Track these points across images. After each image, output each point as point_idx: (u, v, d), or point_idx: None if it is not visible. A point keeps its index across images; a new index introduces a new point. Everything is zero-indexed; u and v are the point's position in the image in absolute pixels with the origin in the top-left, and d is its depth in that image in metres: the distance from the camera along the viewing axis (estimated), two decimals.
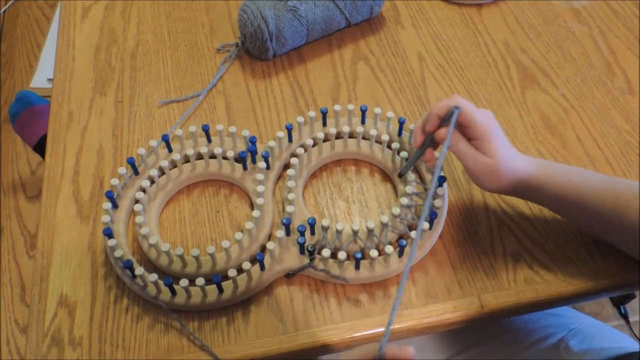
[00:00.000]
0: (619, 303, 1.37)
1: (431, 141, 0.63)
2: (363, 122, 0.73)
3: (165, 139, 0.70)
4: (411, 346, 0.45)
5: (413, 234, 0.62)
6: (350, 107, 0.71)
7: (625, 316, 1.35)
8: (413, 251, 0.50)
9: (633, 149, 0.73)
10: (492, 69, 0.82)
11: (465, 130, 0.59)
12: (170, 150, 0.71)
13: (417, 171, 0.70)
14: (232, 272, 0.60)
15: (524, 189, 0.60)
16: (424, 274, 0.64)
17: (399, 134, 0.72)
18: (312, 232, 0.64)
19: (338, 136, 0.73)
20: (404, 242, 0.61)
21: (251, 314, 0.62)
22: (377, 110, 0.72)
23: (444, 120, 0.60)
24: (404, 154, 0.68)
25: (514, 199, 0.69)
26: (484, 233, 0.67)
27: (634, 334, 1.33)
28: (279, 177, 0.71)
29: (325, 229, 0.62)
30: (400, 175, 0.68)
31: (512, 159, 0.59)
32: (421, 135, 0.63)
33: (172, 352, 0.60)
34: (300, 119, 0.71)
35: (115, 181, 0.67)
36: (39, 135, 1.14)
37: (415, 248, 0.51)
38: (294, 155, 0.71)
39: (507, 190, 0.61)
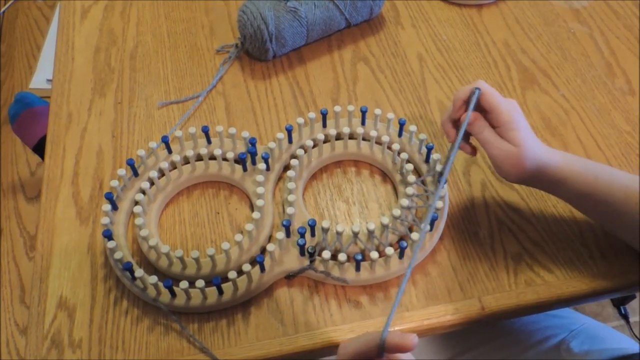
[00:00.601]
0: (619, 303, 1.37)
1: (464, 132, 0.61)
2: (363, 123, 0.73)
3: (165, 141, 0.69)
4: (414, 334, 0.45)
5: (414, 235, 0.61)
6: (351, 108, 0.71)
7: (625, 317, 1.35)
8: (416, 251, 0.50)
9: (634, 150, 0.73)
10: (492, 69, 0.82)
11: (489, 116, 0.59)
12: (170, 151, 0.71)
13: (417, 173, 0.69)
14: (232, 274, 0.59)
15: (547, 181, 0.60)
16: (425, 276, 0.64)
17: (399, 135, 0.72)
18: (312, 234, 0.64)
19: (338, 137, 0.73)
20: (405, 244, 0.61)
21: (251, 315, 0.62)
22: (377, 111, 0.72)
23: (469, 104, 0.59)
24: (404, 155, 0.68)
25: (514, 200, 0.68)
26: (484, 234, 0.66)
27: (634, 334, 1.32)
28: (279, 178, 0.71)
29: (325, 230, 0.62)
30: (441, 175, 0.66)
31: (537, 149, 0.59)
32: (451, 128, 0.63)
33: (172, 354, 0.59)
34: (300, 120, 0.70)
35: (114, 183, 0.67)
36: (38, 137, 1.14)
37: (417, 250, 0.51)
38: (294, 156, 0.71)
39: (529, 181, 0.60)
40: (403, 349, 0.44)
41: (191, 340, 0.60)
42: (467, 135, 0.64)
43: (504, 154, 0.58)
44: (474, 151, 0.64)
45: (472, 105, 0.58)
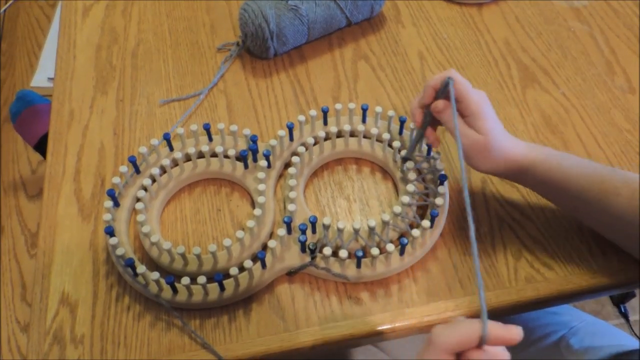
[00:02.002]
0: (619, 302, 1.37)
1: (431, 118, 0.63)
2: (364, 120, 0.73)
3: (167, 138, 0.70)
4: (519, 327, 0.43)
5: (414, 232, 0.62)
6: (351, 105, 0.72)
7: (625, 315, 1.35)
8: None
9: (633, 148, 0.73)
10: (492, 68, 0.82)
11: (458, 106, 0.60)
12: (171, 148, 0.71)
13: (417, 170, 0.70)
14: (233, 271, 0.60)
15: (515, 170, 0.61)
16: (425, 273, 0.64)
17: (400, 132, 0.72)
18: (314, 231, 0.64)
19: (339, 135, 0.73)
20: (405, 240, 0.61)
21: (253, 312, 0.62)
22: (378, 109, 0.72)
23: (440, 93, 0.61)
24: (404, 152, 0.69)
25: (514, 197, 0.69)
26: (485, 232, 0.67)
27: (634, 332, 1.33)
28: (280, 175, 0.71)
29: (326, 227, 0.62)
30: (405, 160, 0.68)
31: (503, 138, 0.60)
32: (420, 113, 0.64)
33: (173, 351, 0.60)
34: (302, 117, 0.71)
35: (116, 179, 0.67)
36: (39, 135, 1.14)
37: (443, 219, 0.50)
38: (295, 153, 0.71)
39: (498, 171, 0.62)
40: (507, 342, 0.42)
41: (193, 337, 0.60)
42: (436, 123, 0.65)
43: (471, 142, 0.60)
44: (436, 142, 0.65)
45: (452, 98, 0.59)
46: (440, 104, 0.60)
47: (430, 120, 0.64)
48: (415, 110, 0.64)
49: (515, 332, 0.42)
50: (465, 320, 0.44)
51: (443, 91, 0.60)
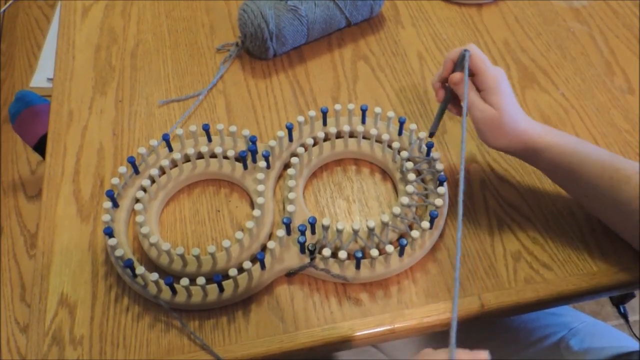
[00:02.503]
0: (619, 302, 1.37)
1: (451, 93, 0.64)
2: (363, 121, 0.73)
3: (166, 138, 0.70)
4: (486, 352, 0.44)
5: (414, 233, 0.62)
6: (351, 106, 0.72)
7: (624, 316, 1.35)
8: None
9: (633, 148, 0.73)
10: None
11: (475, 79, 0.61)
12: (170, 149, 0.71)
13: (417, 171, 0.70)
14: (232, 272, 0.60)
15: (528, 150, 0.61)
16: (425, 274, 0.64)
17: (399, 133, 0.72)
18: (313, 232, 0.64)
19: (338, 135, 0.73)
20: (405, 241, 0.61)
21: (252, 313, 0.62)
22: (378, 109, 0.72)
23: (458, 65, 0.62)
24: (404, 153, 0.68)
25: (513, 198, 0.69)
26: (484, 232, 0.67)
27: (634, 333, 1.33)
28: (280, 176, 0.71)
29: (325, 228, 0.62)
30: (431, 135, 0.68)
31: (518, 116, 0.61)
32: (440, 88, 0.65)
33: (172, 352, 0.60)
34: (301, 118, 0.71)
35: (115, 180, 0.67)
36: (38, 135, 1.14)
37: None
38: (294, 154, 0.71)
39: (511, 148, 0.62)
40: None
41: (192, 338, 0.60)
42: (455, 98, 0.66)
43: (485, 116, 0.60)
44: (459, 111, 0.66)
45: (466, 70, 0.60)
46: (456, 75, 0.61)
47: (451, 96, 0.65)
48: (435, 84, 0.65)
49: (483, 357, 0.44)
50: (432, 352, 0.45)
51: (460, 63, 0.61)
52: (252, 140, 0.70)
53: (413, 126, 0.70)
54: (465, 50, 0.61)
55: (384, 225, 0.62)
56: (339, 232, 0.62)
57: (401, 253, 0.62)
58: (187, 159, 0.72)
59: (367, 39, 0.86)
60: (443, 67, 0.64)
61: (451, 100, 0.66)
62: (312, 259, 0.62)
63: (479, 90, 0.61)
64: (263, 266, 0.62)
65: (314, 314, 0.61)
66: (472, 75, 0.62)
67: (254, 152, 0.70)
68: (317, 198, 0.70)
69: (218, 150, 0.70)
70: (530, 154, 0.62)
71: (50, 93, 0.83)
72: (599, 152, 0.60)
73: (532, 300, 0.62)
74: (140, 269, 0.60)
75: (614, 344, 0.73)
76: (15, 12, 1.61)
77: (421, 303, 0.62)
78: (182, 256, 0.62)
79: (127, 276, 0.62)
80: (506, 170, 0.71)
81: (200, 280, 0.59)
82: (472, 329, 0.79)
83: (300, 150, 0.69)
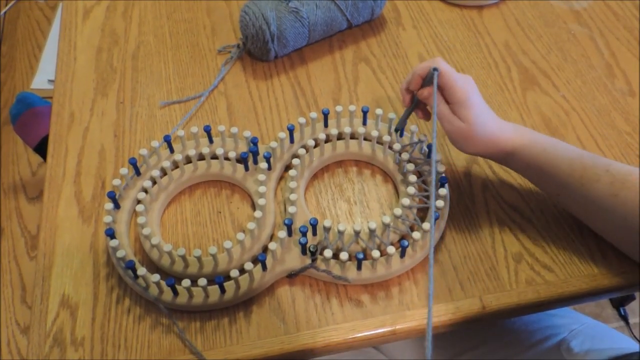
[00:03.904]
0: (619, 305, 1.37)
1: (418, 101, 0.67)
2: (364, 123, 0.73)
3: (167, 140, 0.70)
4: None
5: (415, 234, 0.62)
6: (352, 108, 0.72)
7: (625, 318, 1.35)
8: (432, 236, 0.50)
9: (633, 151, 0.73)
10: (492, 70, 0.82)
11: (444, 92, 0.62)
12: (172, 150, 0.71)
13: (418, 172, 0.70)
14: (234, 273, 0.60)
15: (500, 154, 0.63)
16: (426, 275, 0.64)
17: (401, 135, 0.72)
18: (314, 233, 0.64)
19: (339, 137, 0.73)
20: (406, 243, 0.61)
21: (253, 314, 0.62)
22: (379, 111, 0.72)
23: (426, 81, 0.63)
24: (405, 155, 0.69)
25: (514, 199, 0.69)
26: (485, 234, 0.67)
27: (634, 335, 1.33)
28: (281, 177, 0.71)
29: (327, 229, 0.62)
30: (397, 131, 0.69)
31: (488, 123, 0.62)
32: (407, 95, 0.67)
33: (174, 353, 0.60)
34: (302, 119, 0.71)
35: (117, 182, 0.67)
36: (39, 137, 1.14)
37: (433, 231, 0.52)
38: (295, 156, 0.71)
39: (484, 153, 0.64)
40: None
41: (194, 340, 0.60)
42: (422, 103, 0.67)
43: (455, 129, 0.62)
44: (426, 116, 0.68)
45: (435, 88, 0.61)
46: (425, 91, 0.64)
47: (418, 103, 0.67)
48: (403, 92, 0.67)
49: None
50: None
51: (429, 80, 0.63)
52: (254, 141, 0.70)
53: (414, 127, 0.70)
54: (434, 69, 0.61)
55: (385, 226, 0.62)
56: (340, 233, 0.62)
57: (402, 254, 0.62)
58: (188, 160, 0.72)
59: (368, 41, 0.86)
60: (412, 80, 0.65)
61: (418, 105, 0.67)
62: (314, 260, 0.63)
63: (448, 103, 0.63)
64: (264, 267, 0.62)
65: (315, 315, 0.62)
66: (440, 89, 0.62)
67: (255, 154, 0.70)
68: (318, 199, 0.70)
69: (219, 151, 0.70)
70: (502, 157, 0.64)
71: (51, 95, 0.83)
72: (569, 151, 0.61)
73: (533, 301, 0.62)
74: (141, 270, 0.60)
75: (614, 346, 0.74)
76: (16, 13, 1.61)
77: (422, 304, 0.62)
78: (183, 257, 0.62)
79: (129, 277, 0.62)
80: (507, 172, 0.71)
81: (202, 281, 0.59)
82: (473, 331, 0.79)
83: (302, 151, 0.70)
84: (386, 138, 0.71)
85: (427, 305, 0.62)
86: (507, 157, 0.63)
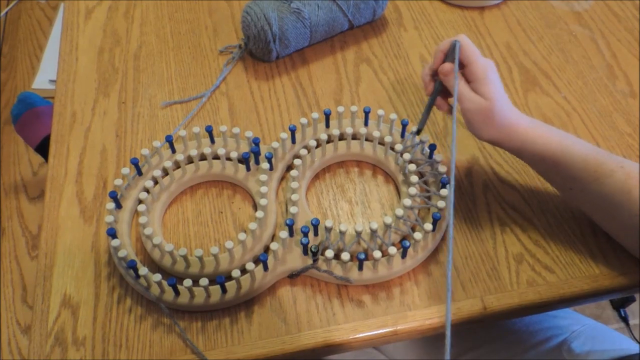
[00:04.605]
0: (619, 306, 1.37)
1: (441, 86, 0.65)
2: (366, 123, 0.73)
3: (169, 140, 0.70)
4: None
5: (416, 235, 0.62)
6: (353, 108, 0.72)
7: (625, 319, 1.35)
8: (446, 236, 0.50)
9: (634, 152, 0.73)
10: None
11: (464, 70, 0.62)
12: (173, 150, 0.71)
13: (419, 173, 0.70)
14: (235, 273, 0.60)
15: (516, 141, 0.62)
16: (427, 276, 0.64)
17: (402, 135, 0.72)
18: (316, 233, 0.64)
19: (341, 137, 0.73)
20: (407, 243, 0.61)
21: (254, 314, 0.62)
22: (380, 111, 0.72)
23: (448, 56, 0.62)
24: (406, 155, 0.69)
25: (516, 200, 0.69)
26: (486, 235, 0.67)
27: (634, 336, 1.33)
28: (282, 178, 0.71)
29: (328, 230, 0.62)
30: (419, 132, 0.68)
31: (508, 107, 0.62)
32: (430, 81, 0.66)
33: (175, 353, 0.60)
34: (304, 120, 0.71)
35: (118, 181, 0.67)
36: (41, 137, 1.14)
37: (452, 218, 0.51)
38: (297, 156, 0.71)
39: (499, 140, 0.62)
40: None
41: (195, 340, 0.60)
42: (445, 92, 0.66)
43: (475, 107, 0.61)
44: (447, 108, 0.67)
45: (457, 60, 0.61)
46: (446, 66, 0.62)
47: (441, 89, 0.65)
48: (425, 77, 0.66)
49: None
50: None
51: (451, 54, 0.62)
52: (255, 142, 0.70)
53: (415, 128, 0.70)
54: (456, 41, 0.61)
55: (387, 227, 0.62)
56: (342, 233, 0.62)
57: (404, 255, 0.62)
58: (190, 160, 0.72)
59: (369, 42, 0.87)
60: (434, 59, 0.64)
61: (440, 93, 0.66)
62: (315, 260, 0.63)
63: (468, 81, 0.62)
64: (266, 268, 0.62)
65: (316, 316, 0.62)
66: (462, 66, 0.62)
67: (256, 154, 0.70)
68: (319, 200, 0.70)
69: (221, 151, 0.70)
70: (517, 146, 0.63)
71: (53, 95, 0.83)
72: (584, 146, 0.61)
73: (534, 302, 0.62)
74: (143, 270, 0.60)
75: (615, 347, 0.74)
76: (18, 13, 1.61)
77: (424, 305, 0.62)
78: (185, 257, 0.62)
79: (130, 277, 0.62)
80: (508, 172, 0.71)
81: (203, 281, 0.59)
82: (475, 331, 0.79)
83: (303, 152, 0.70)
84: (388, 139, 0.71)
85: (428, 305, 0.62)
86: (521, 147, 0.62)
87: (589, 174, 0.58)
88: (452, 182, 0.55)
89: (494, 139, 0.63)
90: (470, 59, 0.61)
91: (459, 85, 0.61)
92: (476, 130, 0.63)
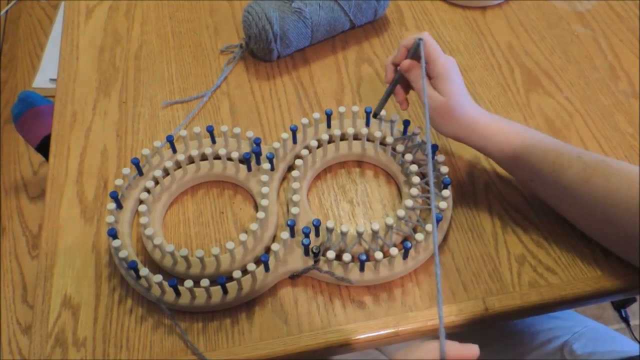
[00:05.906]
0: (620, 307, 1.37)
1: (401, 76, 0.67)
2: (367, 124, 0.73)
3: (170, 140, 0.70)
4: (475, 345, 0.44)
5: (418, 236, 0.62)
6: (355, 108, 0.72)
7: (626, 320, 1.35)
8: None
9: (636, 152, 0.73)
10: (496, 71, 0.82)
11: (426, 67, 0.63)
12: (174, 151, 0.71)
13: (421, 174, 0.70)
14: (236, 274, 0.60)
15: (475, 135, 0.63)
16: (429, 277, 0.64)
17: (404, 134, 0.72)
18: (317, 234, 0.64)
19: (342, 138, 0.73)
20: (409, 244, 0.61)
21: (255, 315, 0.62)
22: (382, 112, 0.72)
23: (411, 52, 0.64)
24: (408, 156, 0.68)
25: (517, 201, 0.69)
26: (488, 236, 0.67)
27: (635, 337, 1.33)
28: (283, 178, 0.71)
29: (330, 230, 0.62)
30: (375, 115, 0.70)
31: (467, 103, 0.63)
32: (391, 71, 0.68)
33: (176, 354, 0.59)
34: (305, 120, 0.71)
35: (119, 182, 0.67)
36: (41, 136, 1.14)
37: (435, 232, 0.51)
38: (298, 156, 0.71)
39: (460, 135, 0.64)
40: None
41: (196, 340, 0.60)
42: (407, 85, 0.68)
43: (434, 104, 0.62)
44: (405, 104, 0.69)
45: (423, 59, 0.62)
46: (407, 62, 0.64)
47: (400, 79, 0.67)
48: (388, 66, 0.68)
49: (474, 351, 0.43)
50: (422, 343, 0.45)
51: (414, 51, 0.64)
52: (256, 142, 0.70)
53: (417, 129, 0.70)
54: (419, 39, 0.63)
55: (388, 228, 0.62)
56: (343, 234, 0.61)
57: (405, 256, 0.62)
58: (190, 160, 0.72)
59: (371, 42, 0.86)
60: (397, 52, 0.66)
61: (399, 82, 0.68)
62: (316, 261, 0.62)
63: (429, 77, 0.63)
64: (267, 268, 0.62)
65: (317, 317, 0.61)
66: (419, 60, 0.64)
67: (257, 154, 0.69)
68: (321, 200, 0.70)
69: (222, 151, 0.70)
70: (479, 141, 0.64)
71: (53, 94, 0.83)
72: (543, 138, 0.62)
73: (536, 303, 0.62)
74: (144, 271, 0.60)
75: (617, 349, 0.74)
76: (18, 12, 1.61)
77: (425, 306, 0.62)
78: (185, 258, 0.62)
79: (131, 278, 0.62)
80: None
81: (204, 282, 0.59)
82: (476, 332, 0.79)
83: (304, 152, 0.69)
84: (389, 139, 0.71)
85: (429, 306, 0.62)
86: (483, 143, 0.63)
87: (548, 166, 0.59)
88: (432, 179, 0.54)
89: (456, 135, 0.64)
90: (431, 57, 0.62)
91: (420, 82, 0.63)
92: (437, 126, 0.64)
